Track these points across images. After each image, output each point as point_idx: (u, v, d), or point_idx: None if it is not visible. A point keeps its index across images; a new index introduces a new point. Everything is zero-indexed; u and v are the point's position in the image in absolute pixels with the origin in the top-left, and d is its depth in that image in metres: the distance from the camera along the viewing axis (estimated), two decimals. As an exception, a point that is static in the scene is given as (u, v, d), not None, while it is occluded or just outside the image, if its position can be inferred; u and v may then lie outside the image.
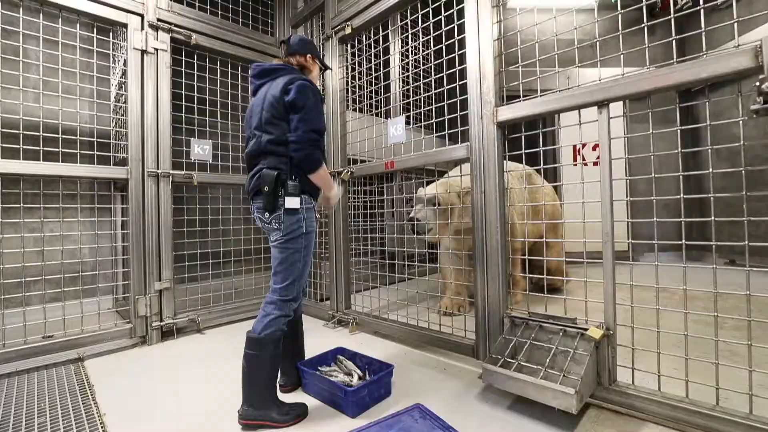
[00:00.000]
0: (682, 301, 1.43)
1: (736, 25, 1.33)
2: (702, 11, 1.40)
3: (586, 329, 1.57)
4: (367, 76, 2.83)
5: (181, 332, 2.64)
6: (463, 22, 1.97)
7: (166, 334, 2.57)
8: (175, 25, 2.66)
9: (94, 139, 2.42)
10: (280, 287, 1.58)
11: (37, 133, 2.19)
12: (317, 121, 1.56)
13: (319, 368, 1.84)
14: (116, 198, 2.95)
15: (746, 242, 1.33)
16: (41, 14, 2.24)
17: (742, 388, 1.29)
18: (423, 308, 2.41)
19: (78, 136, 2.37)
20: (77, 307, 2.28)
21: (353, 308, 2.78)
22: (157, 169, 2.54)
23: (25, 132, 2.14)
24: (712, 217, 1.39)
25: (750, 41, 1.25)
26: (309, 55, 1.76)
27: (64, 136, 2.29)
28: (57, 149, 2.25)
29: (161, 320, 2.53)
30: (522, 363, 1.58)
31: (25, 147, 2.13)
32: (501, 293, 1.86)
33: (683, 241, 1.45)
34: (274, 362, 1.56)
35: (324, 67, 1.88)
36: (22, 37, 2.19)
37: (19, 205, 2.20)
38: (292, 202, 1.52)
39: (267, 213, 1.56)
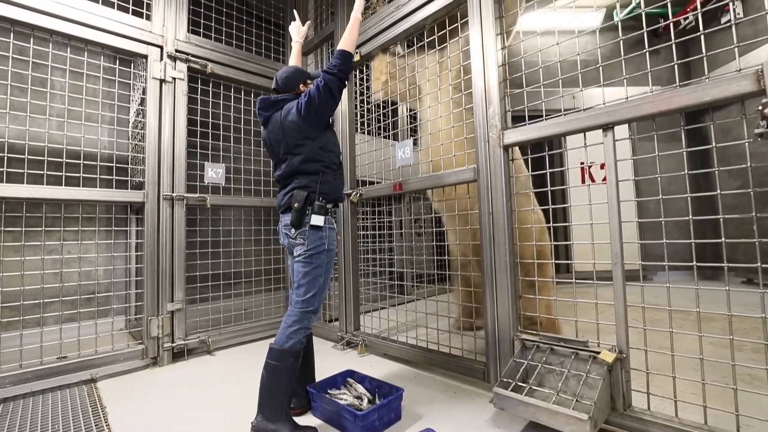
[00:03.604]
0: (697, 323, 1.41)
1: (737, 49, 1.35)
2: (702, 37, 1.44)
3: (598, 352, 1.55)
4: (374, 100, 2.91)
5: (191, 353, 2.66)
6: (469, 48, 2.04)
7: (177, 355, 2.59)
8: (192, 56, 2.79)
9: (113, 164, 2.52)
10: (302, 299, 1.64)
11: (60, 159, 2.29)
12: (312, 91, 1.66)
13: (329, 391, 1.83)
14: (132, 221, 3.03)
15: (759, 264, 1.32)
16: (69, 48, 2.37)
17: (763, 414, 1.25)
18: (432, 329, 2.40)
19: (98, 162, 2.47)
20: (91, 328, 2.32)
21: (362, 329, 2.77)
22: (172, 192, 2.62)
23: (49, 159, 2.24)
24: (722, 238, 1.38)
25: (752, 64, 1.27)
26: (301, 84, 1.86)
27: (85, 162, 2.39)
28: (78, 174, 2.34)
29: (173, 341, 2.55)
30: (534, 387, 1.56)
31: (48, 173, 2.23)
32: (511, 315, 1.85)
33: (694, 262, 1.44)
34: (292, 375, 1.61)
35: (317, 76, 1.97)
36: (50, 70, 2.31)
37: (40, 229, 2.28)
38: (317, 220, 1.65)
39: (294, 229, 1.68)
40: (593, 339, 1.62)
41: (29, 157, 2.19)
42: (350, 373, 1.96)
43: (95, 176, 2.40)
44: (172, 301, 2.58)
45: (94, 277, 2.82)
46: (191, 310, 2.77)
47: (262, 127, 1.86)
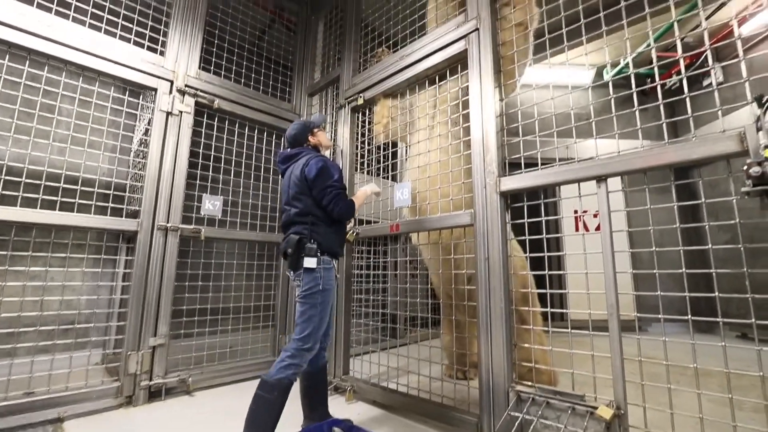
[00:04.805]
0: (695, 379, 1.38)
1: (720, 111, 1.43)
2: (688, 99, 1.52)
3: (595, 407, 1.50)
4: (376, 142, 2.99)
5: (169, 393, 2.51)
6: (468, 99, 2.13)
7: (154, 394, 2.45)
8: (201, 91, 2.88)
9: (110, 192, 2.51)
10: (298, 337, 1.74)
11: (57, 184, 2.28)
12: (329, 177, 1.88)
13: (313, 440, 1.73)
14: (122, 249, 2.97)
15: (753, 320, 1.31)
16: (81, 78, 2.44)
17: (768, 481, 1.20)
18: (424, 377, 2.31)
19: (95, 188, 2.46)
20: (65, 361, 2.21)
21: (351, 374, 2.66)
22: (167, 222, 2.60)
23: (46, 183, 2.23)
24: (716, 293, 1.38)
25: (734, 125, 1.34)
26: (309, 136, 2.09)
27: (82, 188, 2.38)
28: (73, 200, 2.32)
29: (150, 379, 2.42)
30: (529, 443, 1.49)
31: (43, 197, 2.21)
32: (506, 364, 1.80)
33: (689, 316, 1.43)
34: (277, 410, 1.64)
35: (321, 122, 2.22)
36: (59, 97, 2.36)
37: (26, 253, 2.22)
38: (309, 262, 1.77)
39: (292, 271, 1.84)
40: (590, 392, 1.57)
41: (26, 180, 2.18)
42: (337, 422, 1.86)
43: (90, 203, 2.38)
44: (155, 336, 2.48)
45: (76, 306, 2.72)
46: (173, 346, 2.66)
47: (281, 178, 2.11)
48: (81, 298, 2.78)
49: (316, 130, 2.11)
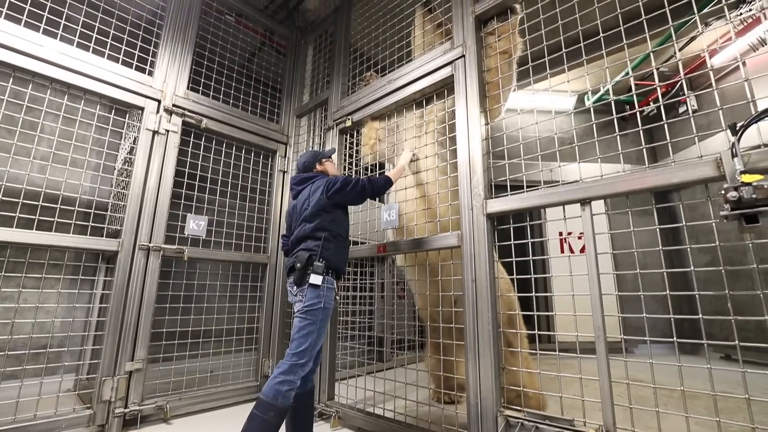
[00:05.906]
0: (682, 401, 1.37)
1: (696, 138, 1.49)
2: (666, 126, 1.58)
3: (585, 433, 1.47)
4: (362, 164, 3.01)
5: (145, 421, 2.39)
6: (455, 122, 2.17)
7: (129, 422, 2.33)
8: (189, 111, 2.87)
9: (91, 211, 2.45)
10: (294, 352, 1.74)
11: (35, 202, 2.22)
12: (352, 179, 2.02)
13: (296, 471, 1.66)
14: (101, 270, 2.88)
15: (737, 342, 1.33)
16: (66, 95, 2.42)
17: None
18: (412, 401, 2.25)
19: (76, 207, 2.40)
20: (35, 387, 2.09)
21: (336, 399, 2.58)
22: (150, 242, 2.54)
23: (24, 201, 2.17)
24: (700, 315, 1.40)
25: (710, 151, 1.39)
26: (317, 164, 2.21)
27: (61, 207, 2.32)
28: (52, 219, 2.26)
29: (126, 407, 2.31)
30: (519, 471, 1.45)
31: (20, 215, 2.14)
32: (494, 388, 1.77)
33: (675, 338, 1.44)
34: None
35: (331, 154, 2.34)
36: (43, 114, 2.32)
37: (-1, 274, 2.14)
38: (315, 279, 1.81)
39: (296, 286, 1.86)
40: (578, 416, 1.55)
41: (3, 198, 2.12)
42: (321, 450, 1.79)
43: (70, 222, 2.31)
44: (132, 360, 2.37)
45: (49, 329, 2.61)
46: (151, 371, 2.55)
47: (291, 199, 2.19)
48: (55, 321, 2.67)
49: (324, 160, 2.24)
